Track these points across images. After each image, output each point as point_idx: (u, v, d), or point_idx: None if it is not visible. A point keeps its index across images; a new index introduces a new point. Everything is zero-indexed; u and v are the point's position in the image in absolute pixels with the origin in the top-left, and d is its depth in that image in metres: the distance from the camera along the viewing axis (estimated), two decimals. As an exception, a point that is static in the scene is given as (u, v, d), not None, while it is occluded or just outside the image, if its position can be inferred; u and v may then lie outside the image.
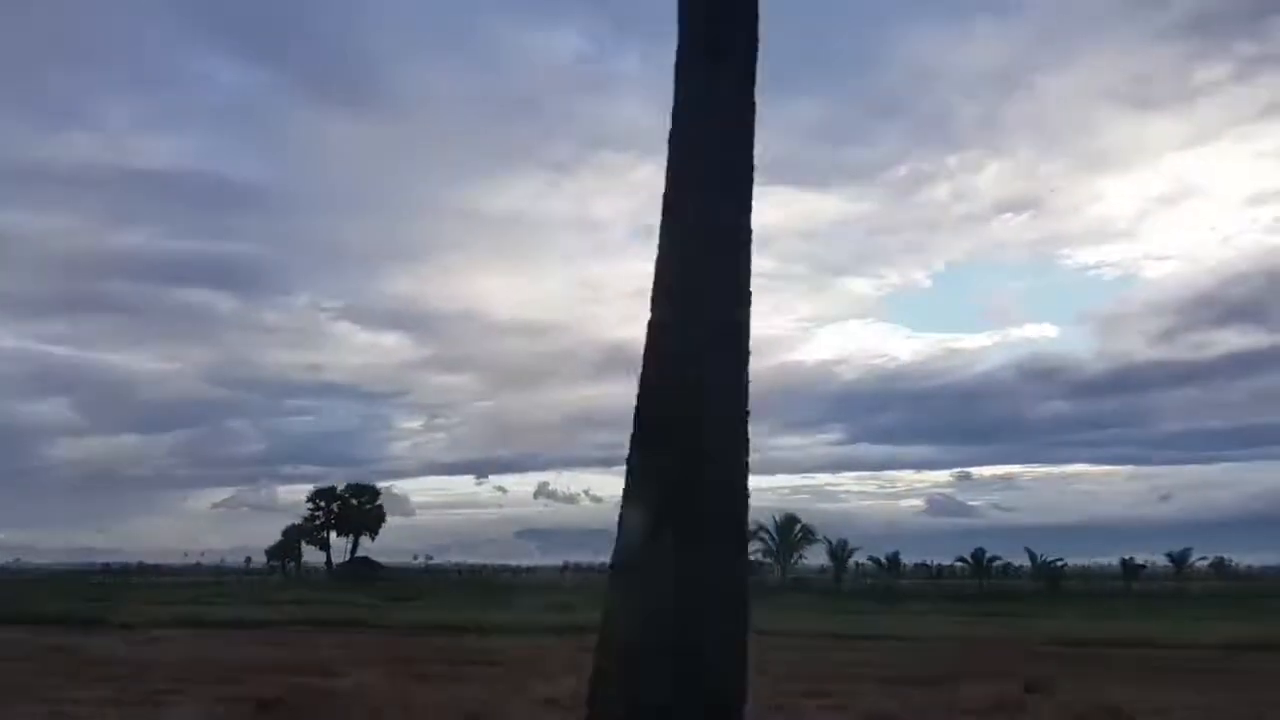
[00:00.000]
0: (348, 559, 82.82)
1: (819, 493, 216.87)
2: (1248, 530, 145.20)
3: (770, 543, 68.04)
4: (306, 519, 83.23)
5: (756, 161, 5.83)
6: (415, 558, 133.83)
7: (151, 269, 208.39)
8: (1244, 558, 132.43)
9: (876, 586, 70.95)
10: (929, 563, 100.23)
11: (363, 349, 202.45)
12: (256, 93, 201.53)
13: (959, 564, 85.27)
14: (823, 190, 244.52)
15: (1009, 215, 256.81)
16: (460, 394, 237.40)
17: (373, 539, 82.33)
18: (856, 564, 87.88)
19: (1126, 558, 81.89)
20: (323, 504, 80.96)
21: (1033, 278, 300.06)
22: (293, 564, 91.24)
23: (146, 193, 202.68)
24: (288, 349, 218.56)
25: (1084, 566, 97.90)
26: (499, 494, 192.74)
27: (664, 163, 5.88)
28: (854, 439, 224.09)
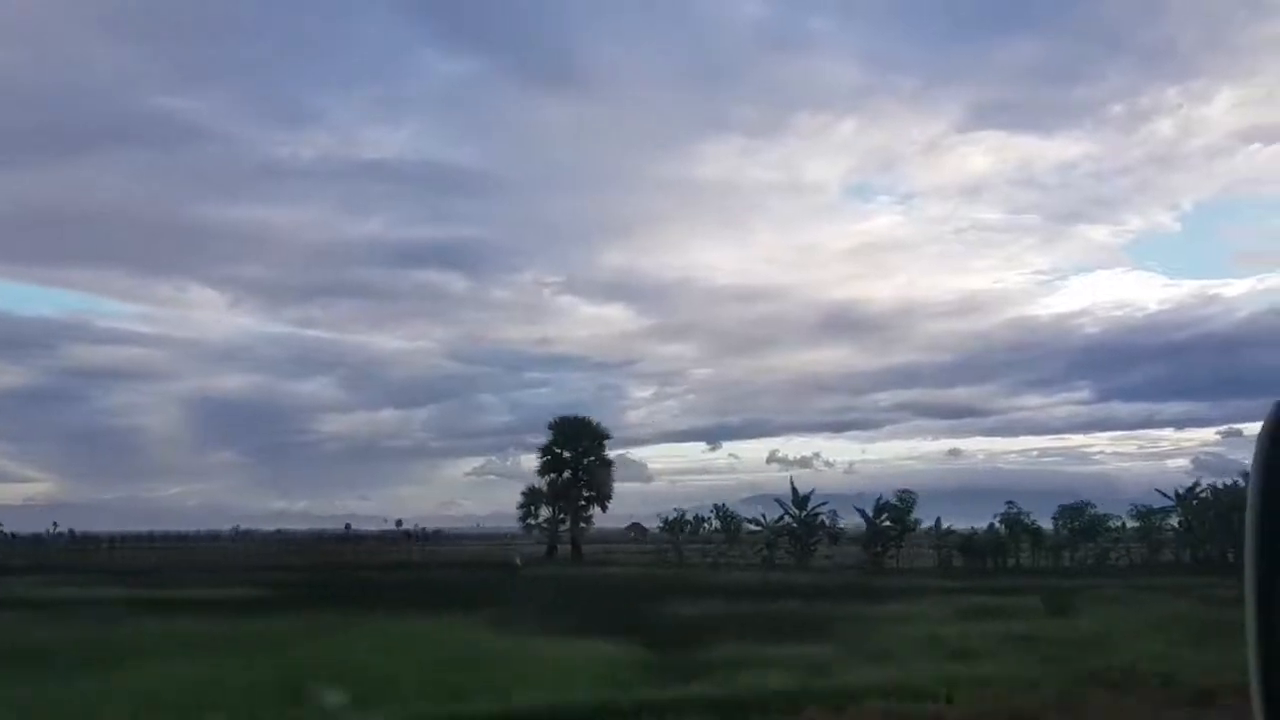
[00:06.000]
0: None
1: (1071, 454, 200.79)
2: None
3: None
4: None
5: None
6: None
7: (389, 254, 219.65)
8: None
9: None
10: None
11: (588, 321, 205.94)
12: (467, 80, 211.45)
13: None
14: (1042, 133, 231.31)
15: (1256, 146, 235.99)
16: (686, 362, 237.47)
17: None
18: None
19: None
20: None
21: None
22: None
23: (378, 183, 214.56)
24: (518, 324, 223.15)
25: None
26: (733, 460, 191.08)
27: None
28: (1104, 397, 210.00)
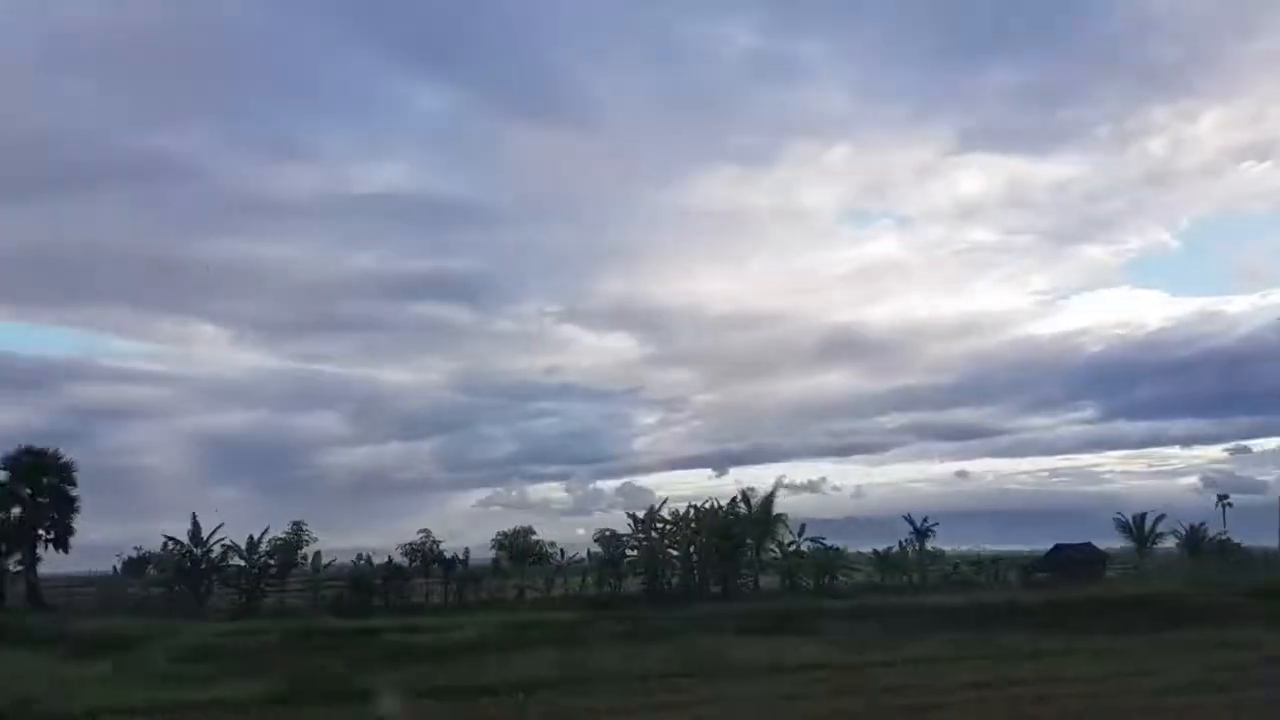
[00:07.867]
0: None
1: (1081, 474, 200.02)
2: None
3: None
4: None
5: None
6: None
7: (389, 287, 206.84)
8: None
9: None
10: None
11: (591, 350, 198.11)
12: (453, 113, 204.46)
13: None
14: (1032, 155, 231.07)
15: (1249, 164, 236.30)
16: (689, 388, 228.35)
17: None
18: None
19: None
20: None
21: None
22: None
23: (371, 217, 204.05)
24: (523, 354, 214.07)
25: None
26: (740, 486, 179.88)
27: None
28: (1110, 416, 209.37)
